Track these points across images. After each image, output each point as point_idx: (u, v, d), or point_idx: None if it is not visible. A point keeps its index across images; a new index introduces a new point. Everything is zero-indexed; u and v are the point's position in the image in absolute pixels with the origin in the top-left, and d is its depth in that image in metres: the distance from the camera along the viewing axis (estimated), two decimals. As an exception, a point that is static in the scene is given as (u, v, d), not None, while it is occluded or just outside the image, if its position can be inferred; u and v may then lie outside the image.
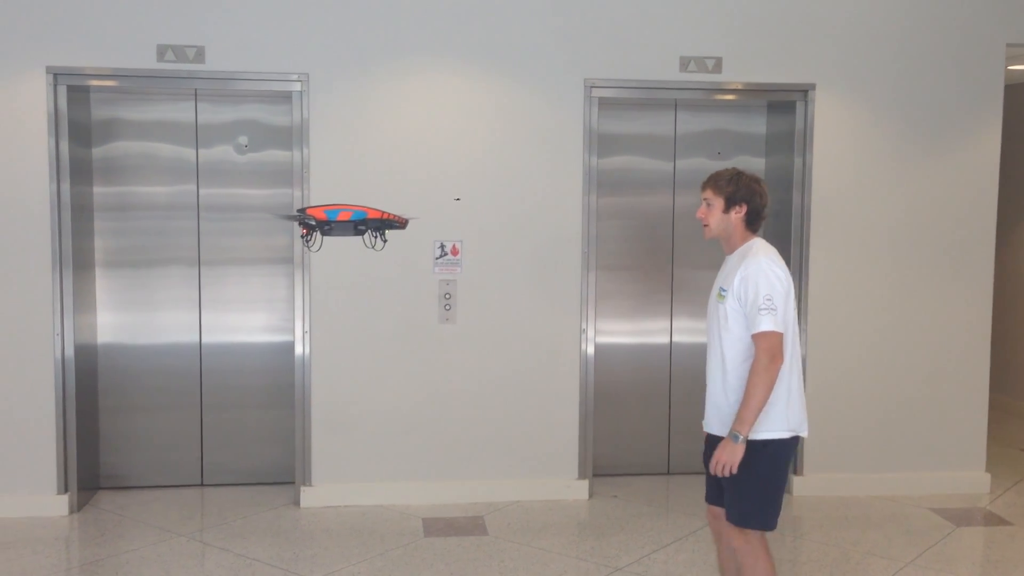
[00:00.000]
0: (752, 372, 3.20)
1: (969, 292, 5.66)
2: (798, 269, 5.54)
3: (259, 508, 5.29)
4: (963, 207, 5.62)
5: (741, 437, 3.21)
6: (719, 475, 3.31)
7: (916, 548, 4.79)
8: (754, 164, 5.92)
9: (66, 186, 5.05)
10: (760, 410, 3.20)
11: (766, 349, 3.18)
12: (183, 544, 4.75)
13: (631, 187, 5.88)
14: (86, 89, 5.27)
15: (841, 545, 4.82)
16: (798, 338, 3.37)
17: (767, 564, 3.39)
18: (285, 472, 5.56)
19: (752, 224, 3.39)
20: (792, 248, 5.55)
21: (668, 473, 5.99)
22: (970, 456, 5.73)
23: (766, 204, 3.41)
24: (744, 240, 3.40)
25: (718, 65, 5.39)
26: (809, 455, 5.61)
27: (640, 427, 5.96)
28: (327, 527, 5.02)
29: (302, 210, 5.04)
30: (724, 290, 3.33)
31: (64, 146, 5.04)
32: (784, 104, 5.62)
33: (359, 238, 4.60)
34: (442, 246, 5.32)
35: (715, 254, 5.83)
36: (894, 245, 5.60)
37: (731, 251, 3.44)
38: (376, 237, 4.63)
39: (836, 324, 5.59)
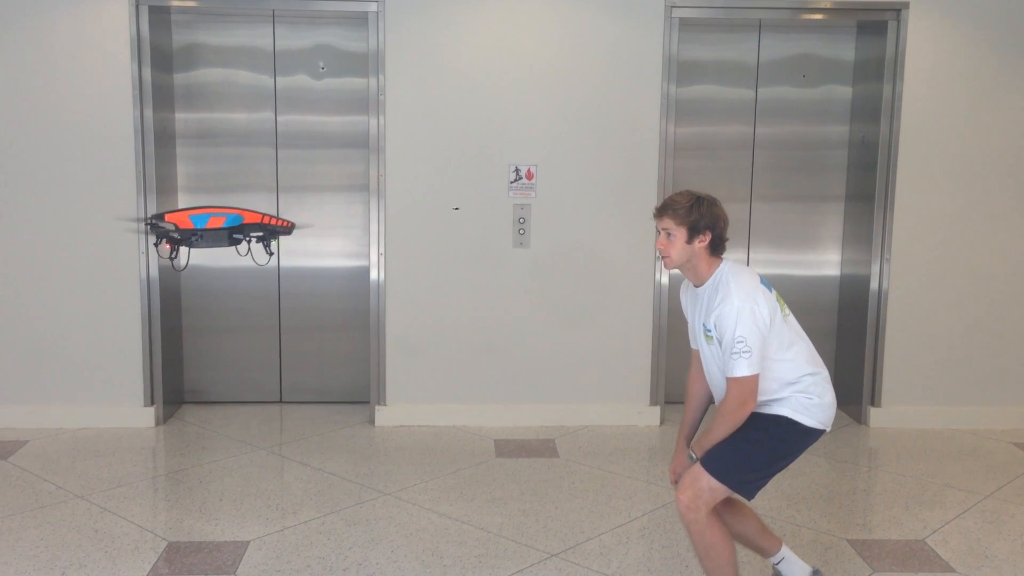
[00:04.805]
0: (720, 412, 3.09)
1: (1064, 224, 5.43)
2: (883, 201, 5.38)
3: (335, 426, 5.42)
4: (1061, 134, 5.37)
5: (695, 457, 3.18)
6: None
7: (996, 481, 4.67)
8: (840, 92, 5.74)
9: (149, 112, 5.16)
10: (718, 442, 3.11)
11: (737, 394, 3.04)
12: (263, 457, 4.90)
13: (710, 116, 5.74)
14: (167, 11, 5.35)
15: (918, 476, 4.72)
16: (806, 338, 3.19)
17: (721, 532, 3.09)
18: (360, 392, 5.69)
19: (716, 250, 3.15)
20: (878, 179, 5.38)
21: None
22: (1058, 393, 5.56)
23: (727, 227, 3.16)
24: (711, 268, 3.15)
25: (804, -16, 5.21)
26: (888, 387, 5.49)
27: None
28: (401, 445, 5.12)
29: (159, 216, 4.18)
30: (709, 330, 3.14)
31: (147, 72, 5.13)
32: (874, 25, 5.41)
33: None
34: (516, 170, 5.30)
35: (793, 185, 5.79)
36: (985, 175, 5.38)
37: (700, 282, 3.19)
38: (252, 242, 3.64)
39: (921, 255, 5.42)
